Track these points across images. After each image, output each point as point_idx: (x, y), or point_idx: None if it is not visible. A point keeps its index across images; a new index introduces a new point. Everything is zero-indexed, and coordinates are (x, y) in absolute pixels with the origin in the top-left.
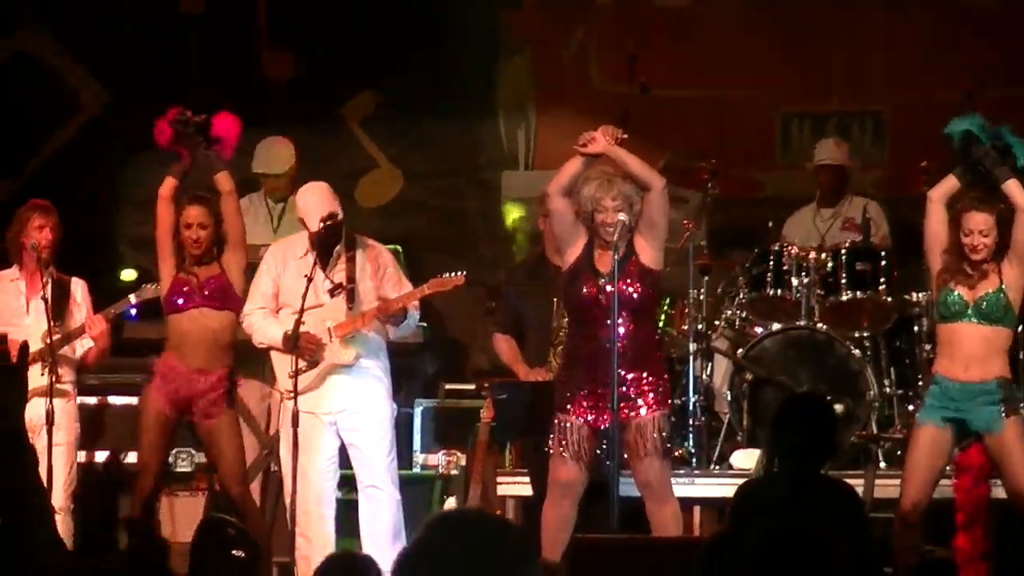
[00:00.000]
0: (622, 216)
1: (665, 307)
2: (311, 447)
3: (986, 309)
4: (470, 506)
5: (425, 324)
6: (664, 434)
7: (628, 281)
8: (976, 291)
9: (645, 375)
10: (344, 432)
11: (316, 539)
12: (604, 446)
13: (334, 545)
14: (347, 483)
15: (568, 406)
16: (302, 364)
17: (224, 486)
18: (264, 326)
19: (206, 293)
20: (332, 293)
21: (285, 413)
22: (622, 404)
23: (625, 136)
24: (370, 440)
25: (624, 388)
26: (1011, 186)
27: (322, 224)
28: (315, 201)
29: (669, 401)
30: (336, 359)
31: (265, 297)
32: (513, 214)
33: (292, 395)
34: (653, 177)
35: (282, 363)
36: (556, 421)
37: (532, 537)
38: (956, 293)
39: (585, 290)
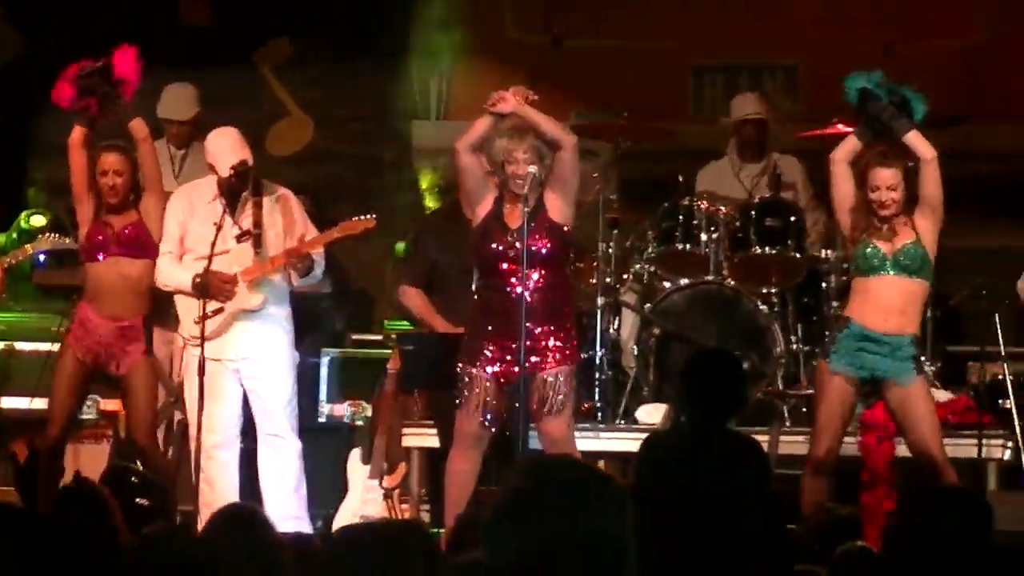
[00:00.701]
0: (532, 168)
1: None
2: (215, 394)
3: (904, 261)
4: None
5: (326, 275)
6: (570, 389)
7: (538, 236)
8: (893, 244)
9: (553, 330)
10: (246, 380)
11: (219, 487)
12: (510, 400)
13: (237, 493)
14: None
15: (476, 359)
16: (209, 309)
17: (132, 435)
18: (170, 270)
19: (123, 241)
20: (239, 239)
21: (189, 359)
22: (530, 358)
23: (535, 97)
24: (272, 388)
25: (532, 343)
26: (912, 137)
27: (232, 171)
28: (225, 146)
29: (578, 357)
30: (242, 304)
31: (172, 240)
32: (426, 180)
33: (198, 341)
34: (564, 136)
35: (187, 308)
36: (463, 372)
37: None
38: (875, 246)
39: (495, 245)
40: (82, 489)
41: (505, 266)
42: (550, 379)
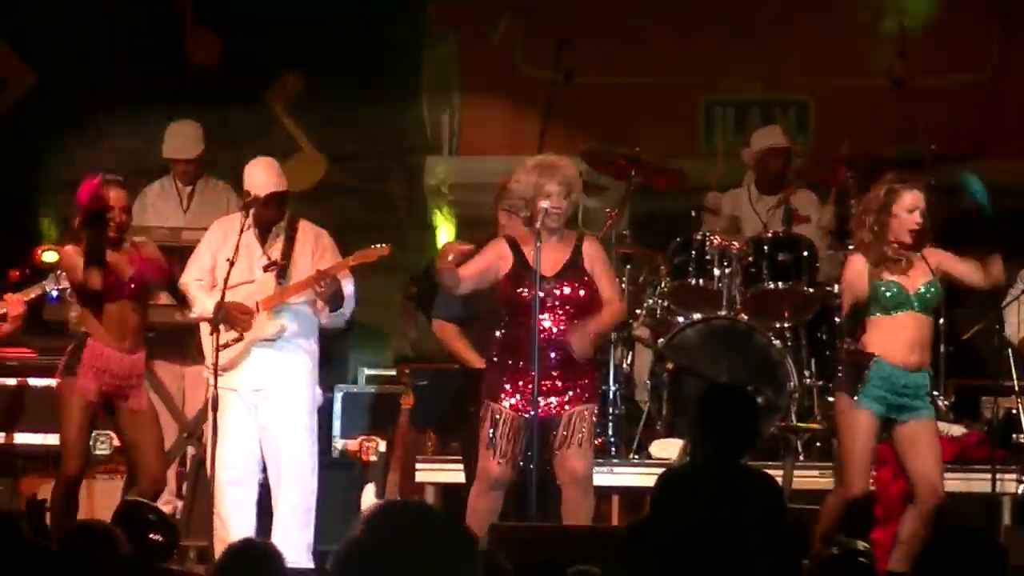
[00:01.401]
0: (543, 203)
1: None
2: (231, 428)
3: (929, 299)
4: (409, 498)
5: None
6: (592, 427)
7: (574, 281)
8: (913, 280)
9: (578, 369)
10: (263, 414)
11: (232, 524)
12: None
13: (253, 530)
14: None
15: (500, 395)
16: (228, 338)
17: (150, 471)
18: (197, 298)
19: (132, 286)
20: (266, 269)
21: (211, 390)
22: (555, 397)
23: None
24: (284, 423)
25: (559, 382)
26: (997, 258)
27: (269, 196)
28: (263, 172)
29: (597, 394)
30: (259, 333)
31: (202, 270)
32: (438, 216)
33: (220, 372)
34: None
35: (211, 339)
36: (487, 410)
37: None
38: (894, 282)
39: (527, 292)
40: (90, 528)
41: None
42: (573, 417)
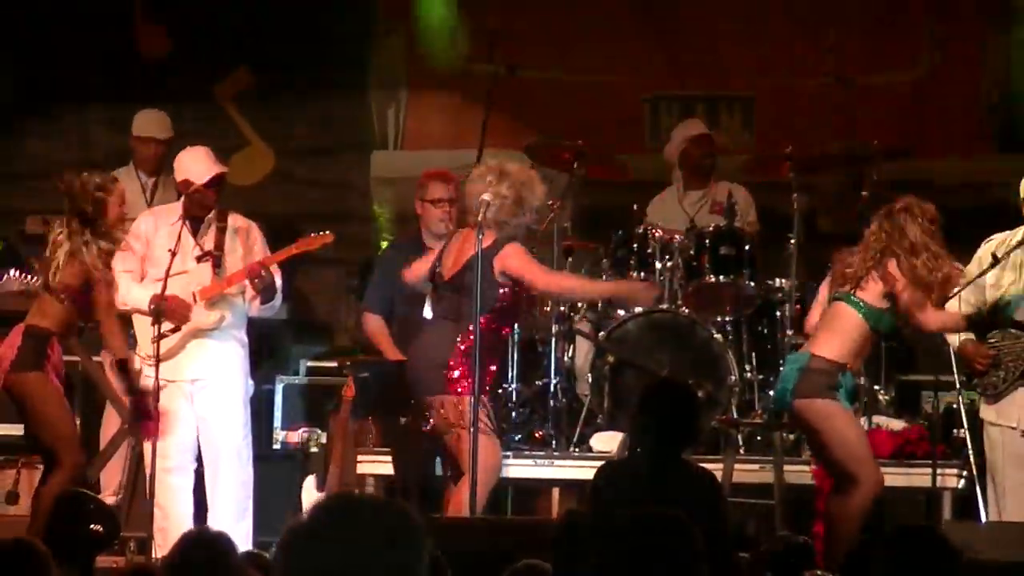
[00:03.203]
0: (486, 196)
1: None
2: (169, 418)
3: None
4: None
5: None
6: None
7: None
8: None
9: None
10: (200, 404)
11: (172, 512)
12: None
13: (191, 519)
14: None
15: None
16: (165, 328)
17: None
18: (129, 289)
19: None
20: (200, 260)
21: (146, 380)
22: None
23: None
24: (222, 413)
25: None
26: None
27: (211, 180)
28: (201, 158)
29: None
30: (198, 323)
31: (133, 260)
32: (382, 209)
33: (154, 362)
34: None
35: (144, 329)
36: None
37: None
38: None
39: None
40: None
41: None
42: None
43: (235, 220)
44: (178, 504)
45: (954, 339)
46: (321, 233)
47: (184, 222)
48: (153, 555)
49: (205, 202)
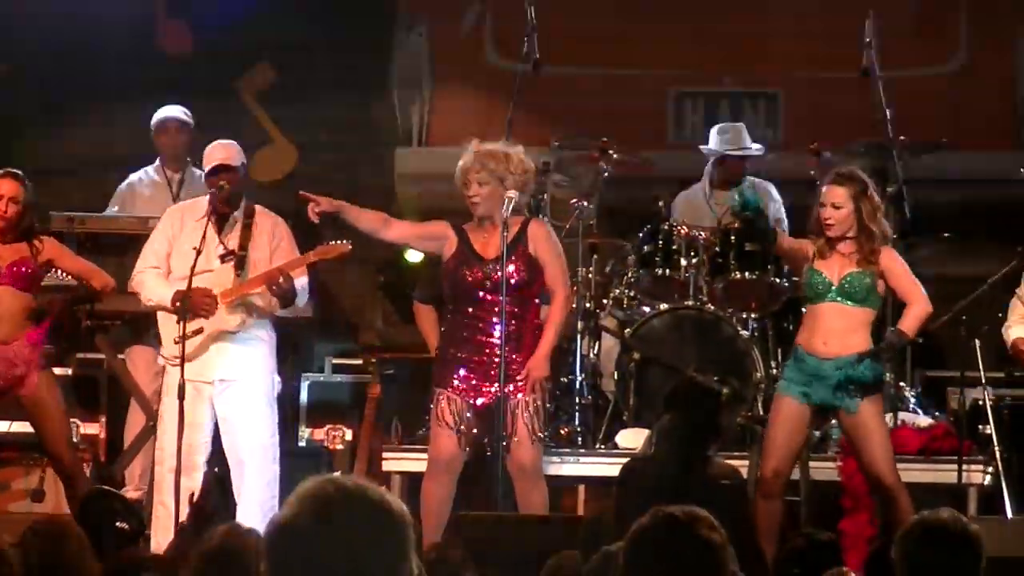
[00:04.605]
0: (512, 193)
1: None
2: (188, 419)
3: (849, 289)
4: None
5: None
6: (538, 416)
7: (516, 264)
8: (839, 271)
9: (519, 358)
10: (221, 403)
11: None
12: (483, 424)
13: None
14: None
15: (448, 382)
16: (189, 329)
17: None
18: (154, 285)
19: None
20: (223, 259)
21: (169, 380)
22: (498, 385)
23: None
24: (246, 413)
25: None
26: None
27: (209, 169)
28: (210, 149)
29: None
30: (221, 325)
31: (158, 256)
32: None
33: (178, 362)
34: None
35: (168, 328)
36: (436, 397)
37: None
38: (820, 273)
39: (470, 277)
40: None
41: (480, 293)
42: (516, 406)
43: (261, 216)
44: (183, 504)
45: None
46: (340, 242)
47: (210, 219)
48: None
49: (220, 195)
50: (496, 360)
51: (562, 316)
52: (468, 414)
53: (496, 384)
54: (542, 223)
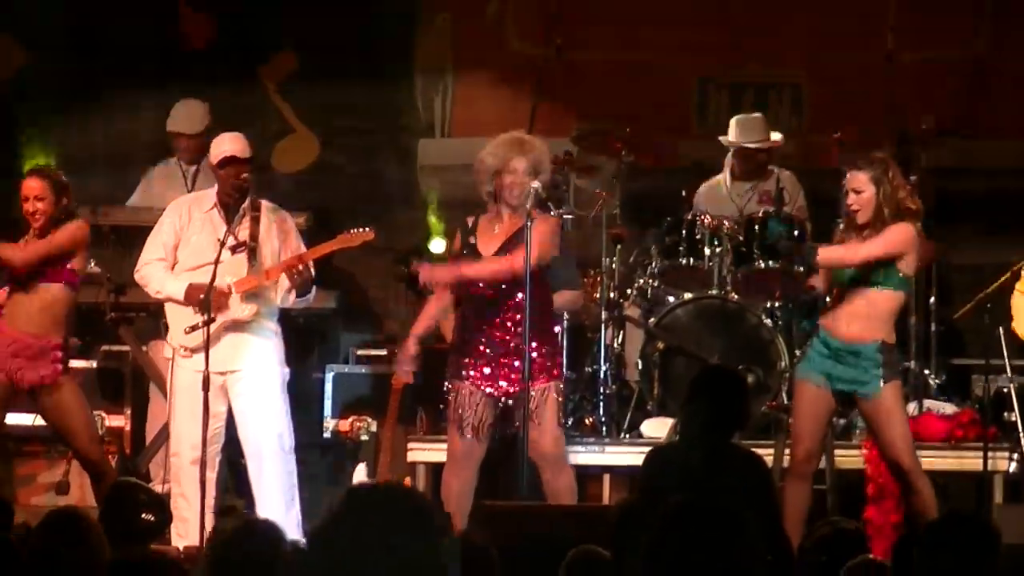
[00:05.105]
0: (535, 184)
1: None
2: (198, 409)
3: (866, 270)
4: (384, 480)
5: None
6: (559, 404)
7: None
8: None
9: (537, 346)
10: (235, 396)
11: (196, 504)
12: (501, 414)
13: (213, 510)
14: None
15: (463, 374)
16: (199, 320)
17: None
18: (163, 277)
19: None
20: (234, 250)
21: (177, 371)
22: (517, 375)
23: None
24: (259, 404)
25: (516, 360)
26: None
27: (222, 160)
28: (224, 140)
29: (562, 371)
30: (233, 315)
31: (166, 248)
32: (431, 197)
33: (187, 352)
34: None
35: (177, 319)
36: (452, 390)
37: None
38: None
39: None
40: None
41: (480, 288)
42: (537, 394)
43: (269, 207)
44: (207, 496)
45: None
46: (362, 230)
47: (218, 210)
48: (173, 543)
49: (241, 187)
50: (508, 349)
51: (500, 268)
52: (484, 405)
53: (511, 374)
54: (548, 218)
